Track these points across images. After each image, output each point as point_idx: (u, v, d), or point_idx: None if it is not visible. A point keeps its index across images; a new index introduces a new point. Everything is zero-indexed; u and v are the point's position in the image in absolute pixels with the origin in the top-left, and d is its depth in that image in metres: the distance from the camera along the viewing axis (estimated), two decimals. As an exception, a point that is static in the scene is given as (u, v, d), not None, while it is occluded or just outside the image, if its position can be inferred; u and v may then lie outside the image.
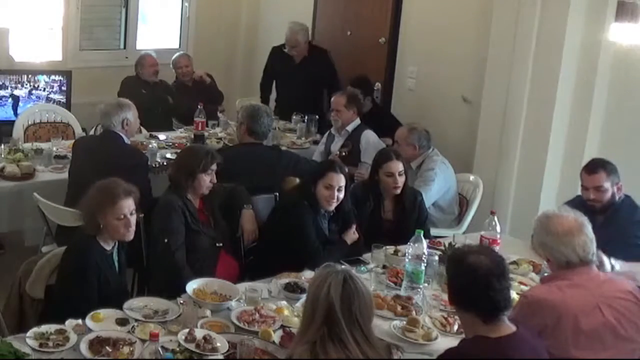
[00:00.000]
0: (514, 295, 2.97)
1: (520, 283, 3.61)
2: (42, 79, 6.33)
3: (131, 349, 2.83)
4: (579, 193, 4.21)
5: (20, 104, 6.22)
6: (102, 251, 3.29)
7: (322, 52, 6.60)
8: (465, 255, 2.62)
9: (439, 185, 4.79)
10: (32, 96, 6.28)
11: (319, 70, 6.50)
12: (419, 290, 3.50)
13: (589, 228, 2.99)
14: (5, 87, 6.20)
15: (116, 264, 3.38)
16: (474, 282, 2.54)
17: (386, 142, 5.44)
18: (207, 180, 3.90)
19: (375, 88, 6.39)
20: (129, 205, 3.27)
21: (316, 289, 2.47)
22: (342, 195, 3.95)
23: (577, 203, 3.86)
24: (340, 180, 3.92)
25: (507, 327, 2.57)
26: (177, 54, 6.86)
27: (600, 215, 3.85)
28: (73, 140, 5.36)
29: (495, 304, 2.53)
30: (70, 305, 3.12)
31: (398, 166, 4.21)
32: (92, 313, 3.03)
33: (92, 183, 3.39)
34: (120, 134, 4.61)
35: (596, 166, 3.92)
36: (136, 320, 3.06)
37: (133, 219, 3.29)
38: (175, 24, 7.75)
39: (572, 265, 2.93)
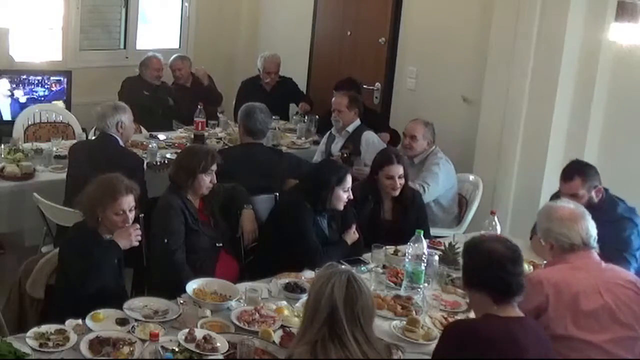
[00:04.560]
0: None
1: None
2: (42, 79, 6.33)
3: (131, 349, 2.83)
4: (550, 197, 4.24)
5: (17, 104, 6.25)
6: (99, 238, 3.31)
7: (288, 79, 6.79)
8: (482, 242, 2.76)
9: (444, 179, 4.78)
10: (32, 97, 6.29)
11: (287, 93, 6.73)
12: (419, 290, 3.50)
13: (589, 216, 3.11)
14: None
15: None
16: (488, 263, 2.64)
17: (384, 138, 5.45)
18: (207, 180, 3.90)
19: (375, 88, 6.40)
20: (129, 201, 3.32)
21: (319, 289, 2.46)
22: (351, 196, 3.99)
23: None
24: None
25: (517, 312, 2.66)
26: (173, 56, 6.85)
27: None
28: (73, 141, 5.38)
29: (507, 286, 2.63)
30: (73, 286, 3.17)
31: (399, 170, 4.21)
32: (92, 313, 3.03)
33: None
34: (116, 136, 4.62)
35: (572, 173, 3.86)
36: (136, 320, 3.06)
37: (132, 215, 3.34)
38: (175, 24, 7.75)
39: (575, 248, 3.04)
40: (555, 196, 3.96)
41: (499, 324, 2.61)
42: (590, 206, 3.74)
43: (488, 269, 2.64)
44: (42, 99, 6.30)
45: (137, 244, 3.36)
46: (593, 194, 3.84)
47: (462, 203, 5.05)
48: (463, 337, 2.62)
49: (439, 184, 4.74)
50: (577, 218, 3.09)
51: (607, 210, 3.77)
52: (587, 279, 2.96)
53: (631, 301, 2.96)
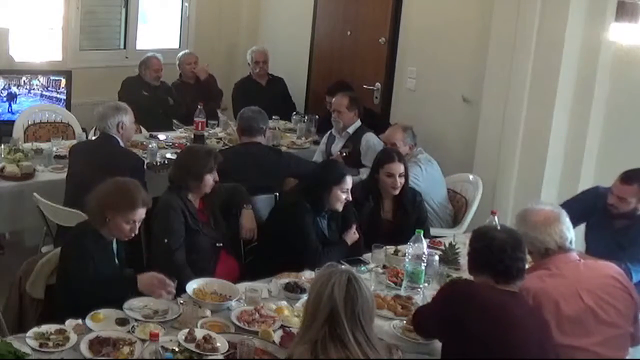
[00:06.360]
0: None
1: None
2: (42, 79, 6.33)
3: (131, 349, 2.83)
4: (587, 188, 4.27)
5: (17, 104, 6.25)
6: (101, 240, 3.30)
7: (280, 79, 6.88)
8: (488, 230, 2.95)
9: (426, 174, 4.77)
10: (31, 96, 6.29)
11: (279, 91, 6.80)
12: (419, 290, 3.50)
13: (566, 218, 3.11)
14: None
15: (115, 254, 3.39)
16: (490, 247, 2.80)
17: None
18: (211, 179, 3.91)
19: (375, 88, 6.40)
20: (141, 214, 3.32)
21: (319, 288, 2.46)
22: (350, 197, 3.97)
23: (595, 194, 3.92)
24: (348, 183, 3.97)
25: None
26: (185, 51, 6.88)
27: (621, 220, 3.81)
28: (73, 141, 5.38)
29: (507, 268, 2.75)
30: (74, 288, 3.17)
31: (399, 168, 4.22)
32: (92, 313, 3.03)
33: (91, 186, 3.39)
34: (116, 137, 4.61)
35: (632, 178, 3.75)
36: (136, 320, 3.06)
37: (137, 226, 3.34)
38: (175, 24, 7.76)
39: (550, 253, 3.05)
40: (585, 193, 4.07)
41: (495, 291, 2.75)
42: (632, 216, 3.77)
43: (489, 252, 2.79)
44: (42, 99, 6.30)
45: (169, 298, 3.25)
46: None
47: (462, 203, 5.05)
48: (458, 293, 2.81)
49: (418, 176, 4.70)
50: (551, 222, 3.07)
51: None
52: (566, 285, 2.96)
53: (614, 298, 2.96)
